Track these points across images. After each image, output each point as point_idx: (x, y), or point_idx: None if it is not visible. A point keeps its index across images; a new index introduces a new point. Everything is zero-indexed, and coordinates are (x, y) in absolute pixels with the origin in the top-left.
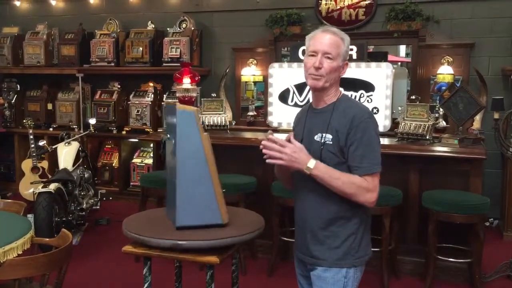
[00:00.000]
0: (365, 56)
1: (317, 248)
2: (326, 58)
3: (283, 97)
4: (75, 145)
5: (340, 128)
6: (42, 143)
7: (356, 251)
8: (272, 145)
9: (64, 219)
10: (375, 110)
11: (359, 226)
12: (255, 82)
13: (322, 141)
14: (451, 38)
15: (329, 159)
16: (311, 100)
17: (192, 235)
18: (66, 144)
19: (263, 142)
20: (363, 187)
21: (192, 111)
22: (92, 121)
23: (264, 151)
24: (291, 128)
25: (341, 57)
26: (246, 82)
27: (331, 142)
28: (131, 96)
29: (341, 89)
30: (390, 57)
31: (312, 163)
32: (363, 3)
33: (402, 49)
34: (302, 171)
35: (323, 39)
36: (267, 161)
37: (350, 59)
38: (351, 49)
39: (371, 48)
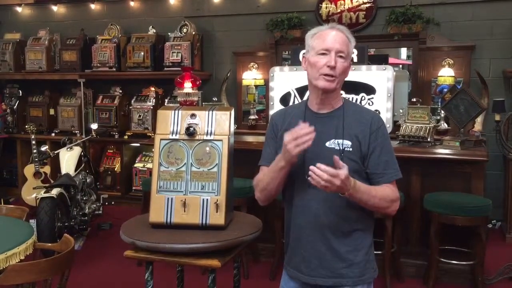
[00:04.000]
0: (366, 59)
1: (340, 266)
2: (339, 57)
3: (285, 100)
4: (77, 150)
5: (359, 133)
6: (44, 148)
7: (373, 263)
8: (323, 174)
9: (66, 224)
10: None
11: (372, 235)
12: (256, 86)
13: (341, 148)
14: (451, 40)
15: (349, 167)
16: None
17: (188, 239)
18: (68, 149)
19: (314, 171)
20: (394, 198)
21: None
22: (94, 126)
23: (313, 181)
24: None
25: (350, 57)
26: (247, 86)
27: (351, 149)
28: (132, 101)
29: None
30: (391, 60)
31: (353, 185)
32: (363, 6)
33: (404, 51)
34: (340, 193)
35: (335, 37)
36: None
37: (351, 61)
38: (352, 52)
39: (372, 51)
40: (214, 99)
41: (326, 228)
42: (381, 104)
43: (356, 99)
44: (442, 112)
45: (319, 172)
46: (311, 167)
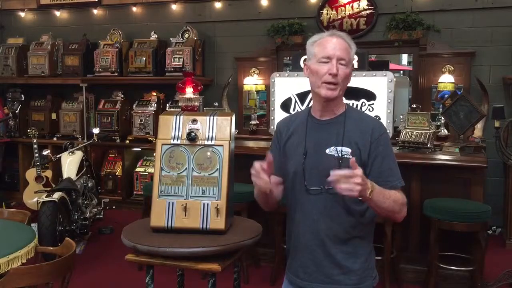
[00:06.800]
0: (367, 65)
1: (336, 272)
2: (340, 64)
3: (285, 106)
4: (78, 155)
5: (360, 141)
6: (46, 152)
7: (372, 271)
8: (346, 178)
9: (67, 228)
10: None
11: (372, 243)
12: (257, 91)
13: (340, 155)
14: (451, 47)
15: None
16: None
17: (188, 243)
18: (70, 153)
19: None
20: (404, 202)
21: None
22: (96, 130)
23: (342, 187)
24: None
25: (351, 63)
26: (248, 91)
27: (350, 156)
28: (134, 106)
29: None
30: (392, 66)
31: (372, 185)
32: (364, 13)
33: (405, 57)
34: (363, 196)
35: (335, 44)
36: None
37: (353, 67)
38: (353, 58)
39: (372, 57)
40: (215, 104)
41: (324, 235)
42: (381, 110)
43: (357, 105)
44: (442, 118)
45: (336, 177)
46: (330, 178)
